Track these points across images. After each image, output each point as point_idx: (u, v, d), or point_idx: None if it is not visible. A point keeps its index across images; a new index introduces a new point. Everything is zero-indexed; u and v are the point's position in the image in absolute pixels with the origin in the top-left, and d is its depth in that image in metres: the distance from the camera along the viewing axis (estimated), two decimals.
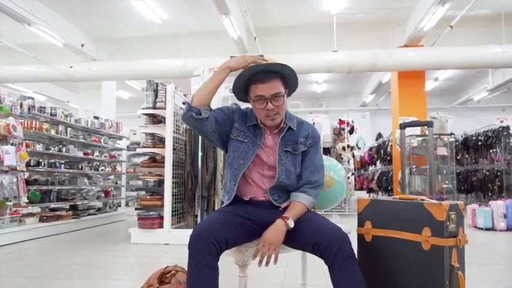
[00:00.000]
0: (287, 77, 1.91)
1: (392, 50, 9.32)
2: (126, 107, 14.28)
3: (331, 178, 2.37)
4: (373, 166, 14.42)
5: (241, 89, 1.94)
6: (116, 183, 8.51)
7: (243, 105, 2.06)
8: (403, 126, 2.17)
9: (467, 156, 11.37)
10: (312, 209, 1.97)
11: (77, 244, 5.21)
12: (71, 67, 9.91)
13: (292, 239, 1.78)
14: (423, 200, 1.76)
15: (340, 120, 8.76)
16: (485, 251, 4.68)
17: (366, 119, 16.81)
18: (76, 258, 4.24)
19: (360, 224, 1.92)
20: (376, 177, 12.81)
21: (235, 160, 1.93)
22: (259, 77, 1.84)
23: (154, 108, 5.22)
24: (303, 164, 1.97)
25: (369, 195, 15.19)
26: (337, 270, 1.65)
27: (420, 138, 8.88)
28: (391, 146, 10.73)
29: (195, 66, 9.18)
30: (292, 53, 9.34)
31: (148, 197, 5.20)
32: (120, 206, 8.51)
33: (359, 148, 12.55)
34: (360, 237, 1.91)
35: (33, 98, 5.74)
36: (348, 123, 8.67)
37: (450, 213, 1.67)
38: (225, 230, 1.73)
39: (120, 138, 8.50)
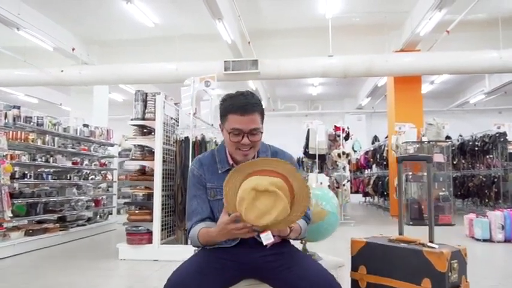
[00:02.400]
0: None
1: (388, 54, 9.20)
2: (120, 110, 14.07)
3: (322, 209, 2.21)
4: (369, 170, 14.31)
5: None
6: (108, 190, 8.33)
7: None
8: (400, 160, 2.01)
9: (463, 161, 11.26)
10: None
11: (64, 260, 5.03)
12: (62, 71, 9.73)
13: (276, 282, 1.66)
14: (423, 244, 1.62)
15: (335, 126, 8.62)
16: (483, 266, 4.54)
17: (361, 122, 16.70)
18: (61, 278, 4.07)
19: (354, 267, 1.77)
20: (372, 182, 12.69)
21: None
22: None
23: (143, 119, 5.06)
24: None
25: (365, 199, 15.12)
26: None
27: (416, 146, 8.77)
28: (387, 150, 10.62)
29: (188, 70, 9.09)
30: (287, 57, 9.20)
31: (137, 211, 5.03)
32: (111, 214, 8.34)
33: (355, 151, 12.44)
34: (354, 283, 1.76)
35: (19, 108, 5.56)
36: (343, 129, 8.53)
37: (452, 262, 1.52)
38: (203, 280, 1.58)
39: (112, 145, 8.31)
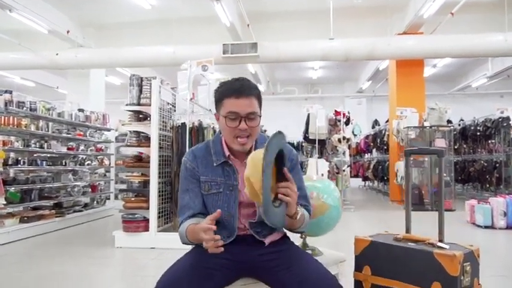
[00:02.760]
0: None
1: (390, 37, 8.98)
2: (117, 93, 13.85)
3: (323, 203, 2.09)
4: (369, 154, 14.21)
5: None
6: (105, 176, 8.22)
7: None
8: (408, 153, 1.88)
9: (464, 146, 11.16)
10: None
11: (59, 248, 4.95)
12: (57, 54, 9.50)
13: (274, 282, 1.56)
14: (432, 244, 1.50)
15: (335, 111, 8.46)
16: (486, 254, 4.44)
17: (362, 106, 16.51)
18: (55, 267, 3.99)
19: (358, 267, 1.66)
20: (372, 166, 12.60)
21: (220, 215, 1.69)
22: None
23: (138, 104, 4.91)
24: None
25: (364, 183, 15.06)
26: None
27: (418, 130, 8.64)
28: (388, 135, 10.49)
29: (186, 53, 8.88)
30: (287, 40, 8.98)
31: (133, 199, 4.93)
32: (109, 199, 8.24)
33: (355, 135, 12.31)
34: (358, 285, 1.65)
35: (11, 92, 5.40)
36: (343, 114, 8.37)
37: (465, 264, 1.41)
38: (195, 281, 1.48)
39: (108, 130, 8.17)
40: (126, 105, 4.95)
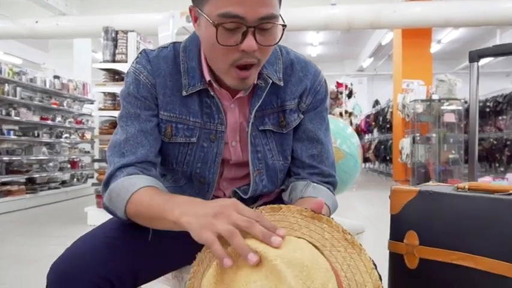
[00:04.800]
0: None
1: (397, 3, 8.30)
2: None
3: (337, 149, 1.48)
4: (370, 134, 13.63)
5: None
6: (88, 152, 7.58)
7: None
8: (476, 57, 1.26)
9: None
10: None
11: (24, 226, 4.37)
12: (37, 22, 8.80)
13: None
14: None
15: (337, 82, 7.84)
16: None
17: (362, 85, 15.81)
18: (12, 247, 3.39)
19: (397, 234, 1.04)
20: (373, 147, 12.01)
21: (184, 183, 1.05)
22: None
23: (113, 61, 4.26)
24: (297, 143, 1.04)
25: (365, 165, 14.47)
26: None
27: (426, 104, 8.02)
28: (391, 112, 9.88)
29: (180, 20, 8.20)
30: (284, 6, 8.22)
31: None
32: (92, 177, 7.61)
33: (355, 116, 11.71)
34: (397, 260, 1.04)
35: None
36: (346, 86, 7.74)
37: None
38: (130, 256, 0.87)
39: (91, 102, 7.49)
40: (100, 62, 4.30)
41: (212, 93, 0.94)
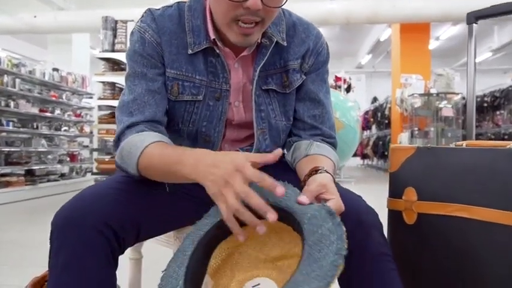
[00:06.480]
0: None
1: None
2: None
3: (337, 120, 1.50)
4: (368, 131, 13.67)
5: None
6: (87, 146, 7.58)
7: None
8: (473, 19, 1.28)
9: None
10: None
11: (23, 216, 4.38)
12: (35, 17, 8.81)
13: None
14: None
15: (336, 76, 7.85)
16: None
17: (361, 82, 15.80)
18: (12, 234, 3.41)
19: (395, 192, 1.06)
20: (371, 143, 12.05)
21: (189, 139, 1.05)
22: None
23: (112, 51, 4.27)
24: (299, 103, 1.06)
25: (363, 161, 14.52)
26: (360, 278, 0.81)
27: (424, 98, 8.05)
28: (390, 108, 9.91)
29: None
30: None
31: (107, 159, 4.34)
32: (91, 171, 7.63)
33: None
34: (395, 216, 1.06)
35: None
36: (344, 80, 7.76)
37: None
38: (133, 207, 0.87)
39: (91, 96, 7.48)
40: (99, 52, 4.32)
41: (217, 51, 0.96)
